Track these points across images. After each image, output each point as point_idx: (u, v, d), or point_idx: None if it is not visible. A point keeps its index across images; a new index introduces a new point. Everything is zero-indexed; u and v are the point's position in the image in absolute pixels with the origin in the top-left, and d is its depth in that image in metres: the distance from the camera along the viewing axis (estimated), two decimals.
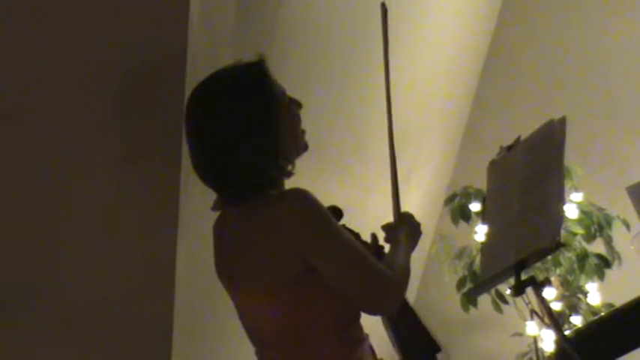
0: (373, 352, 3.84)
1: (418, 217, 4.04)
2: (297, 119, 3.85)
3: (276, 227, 3.59)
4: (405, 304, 3.90)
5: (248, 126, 3.70)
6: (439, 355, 3.84)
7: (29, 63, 4.51)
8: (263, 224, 3.62)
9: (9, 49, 4.45)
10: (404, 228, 3.93)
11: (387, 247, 4.07)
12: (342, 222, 3.80)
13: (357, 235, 3.87)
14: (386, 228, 4.03)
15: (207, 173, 3.73)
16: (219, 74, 3.81)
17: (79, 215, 4.95)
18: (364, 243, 3.88)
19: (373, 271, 3.59)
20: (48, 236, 4.96)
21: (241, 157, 3.70)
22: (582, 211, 6.83)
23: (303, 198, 3.61)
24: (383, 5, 4.49)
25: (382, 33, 4.51)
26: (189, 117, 3.79)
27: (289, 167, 3.77)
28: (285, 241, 3.59)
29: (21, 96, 4.62)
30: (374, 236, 4.07)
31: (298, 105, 3.85)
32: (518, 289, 4.92)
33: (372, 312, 3.76)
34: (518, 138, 5.22)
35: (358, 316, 3.79)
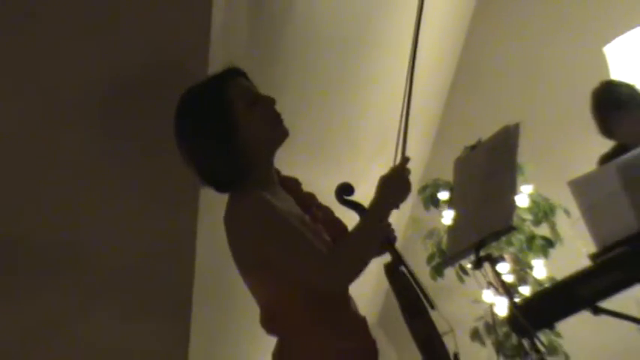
0: (357, 316, 3.78)
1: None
2: (265, 113, 3.70)
3: (233, 225, 3.64)
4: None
5: (201, 137, 3.68)
6: (435, 316, 3.75)
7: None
8: (227, 221, 3.65)
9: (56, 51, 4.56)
10: (381, 190, 3.70)
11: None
12: (351, 196, 3.80)
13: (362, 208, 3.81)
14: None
15: (199, 174, 3.71)
16: (183, 95, 3.75)
17: (121, 197, 5.04)
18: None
19: (309, 256, 3.50)
20: (95, 215, 5.09)
21: (201, 163, 3.68)
22: (531, 201, 6.98)
23: (234, 211, 3.65)
24: None
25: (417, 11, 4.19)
26: None
27: (260, 156, 3.69)
28: (240, 236, 3.62)
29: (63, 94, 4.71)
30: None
31: (270, 101, 3.71)
32: (478, 264, 5.07)
33: (320, 289, 3.59)
34: (480, 139, 5.36)
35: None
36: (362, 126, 6.69)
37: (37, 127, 4.74)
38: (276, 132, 3.71)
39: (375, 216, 3.65)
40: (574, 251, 6.18)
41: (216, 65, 4.13)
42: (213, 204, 4.03)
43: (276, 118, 3.71)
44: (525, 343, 6.10)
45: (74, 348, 5.50)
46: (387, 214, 3.69)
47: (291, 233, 3.53)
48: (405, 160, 3.77)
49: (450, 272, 7.18)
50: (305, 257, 3.52)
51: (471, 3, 7.89)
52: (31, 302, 5.25)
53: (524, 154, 5.16)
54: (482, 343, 7.07)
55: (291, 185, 3.87)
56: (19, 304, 5.25)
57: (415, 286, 3.78)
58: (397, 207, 3.71)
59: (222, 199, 3.78)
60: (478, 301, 7.09)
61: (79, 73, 4.64)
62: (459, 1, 7.57)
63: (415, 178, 7.02)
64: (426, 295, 3.77)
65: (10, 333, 5.38)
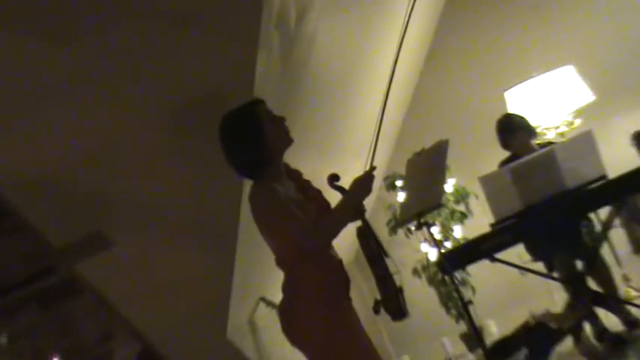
0: (335, 258, 3.71)
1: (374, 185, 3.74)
2: (279, 126, 3.65)
3: (252, 204, 3.56)
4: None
5: (238, 142, 3.62)
6: (388, 262, 3.71)
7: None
8: (250, 198, 3.59)
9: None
10: (352, 190, 3.65)
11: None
12: (338, 182, 3.70)
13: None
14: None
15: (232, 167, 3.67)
16: (226, 114, 3.70)
17: (184, 178, 5.00)
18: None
19: (294, 228, 3.49)
20: (168, 189, 5.06)
21: (237, 160, 3.63)
22: (454, 188, 7.07)
23: (251, 196, 3.60)
24: None
25: (406, 14, 4.19)
26: None
27: (274, 155, 3.64)
28: (256, 213, 3.57)
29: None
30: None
31: (282, 119, 3.66)
32: (419, 226, 5.17)
33: (303, 248, 3.52)
34: (423, 148, 5.44)
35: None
36: (349, 135, 6.58)
37: (132, 131, 4.74)
38: (286, 140, 3.67)
39: (347, 204, 3.63)
40: (480, 222, 6.25)
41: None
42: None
43: (286, 131, 3.66)
44: (447, 277, 6.23)
45: (149, 274, 5.47)
46: (354, 203, 3.64)
47: (285, 212, 3.51)
48: (372, 168, 3.69)
49: (400, 232, 7.14)
50: (291, 229, 3.50)
51: (422, 59, 7.89)
52: (128, 243, 5.24)
53: (451, 158, 5.23)
54: (420, 277, 7.12)
55: (295, 175, 3.79)
56: (120, 245, 5.20)
57: (375, 241, 3.72)
58: (363, 199, 3.64)
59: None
60: (418, 250, 7.08)
61: (159, 97, 4.63)
62: (413, 63, 7.54)
63: (380, 172, 7.08)
64: (382, 247, 3.71)
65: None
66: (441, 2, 7.51)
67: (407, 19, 4.15)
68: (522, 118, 6.24)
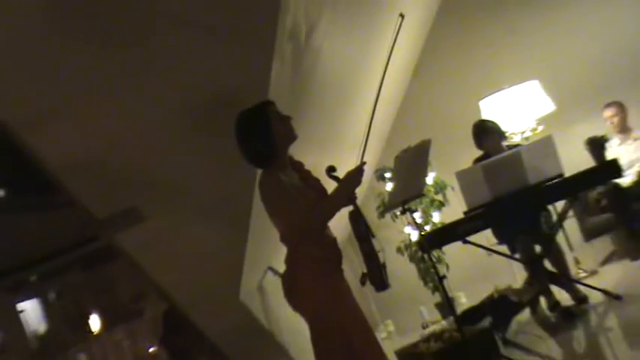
0: (330, 236, 3.70)
1: (366, 175, 3.76)
2: (285, 125, 3.64)
3: (260, 191, 3.61)
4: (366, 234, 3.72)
5: (251, 136, 3.61)
6: (374, 241, 3.71)
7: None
8: (259, 186, 3.62)
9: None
10: (345, 181, 3.62)
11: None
12: (334, 173, 3.69)
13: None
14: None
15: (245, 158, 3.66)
16: (241, 112, 3.68)
17: (204, 163, 4.97)
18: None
19: (295, 212, 3.52)
20: (190, 172, 5.04)
21: (249, 151, 3.62)
22: (434, 180, 7.07)
23: (260, 183, 3.61)
24: (401, 15, 4.17)
25: (394, 37, 4.14)
26: None
27: (281, 149, 3.64)
28: (263, 198, 3.61)
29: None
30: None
31: (288, 118, 3.67)
32: (403, 212, 5.18)
33: (302, 229, 3.56)
34: (409, 146, 5.43)
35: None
36: (346, 132, 6.49)
37: (164, 123, 4.75)
38: (290, 136, 3.66)
39: (340, 192, 3.61)
40: (455, 209, 6.24)
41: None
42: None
43: (291, 129, 3.66)
44: (425, 255, 6.23)
45: (175, 244, 5.44)
46: (347, 191, 3.61)
47: (287, 198, 3.53)
48: (362, 163, 3.66)
49: (388, 216, 7.09)
50: (292, 212, 3.52)
51: (410, 71, 7.86)
52: (158, 218, 5.20)
53: (432, 155, 5.24)
54: (403, 254, 7.11)
55: (298, 165, 3.78)
56: (152, 219, 5.18)
57: (364, 223, 3.70)
58: (353, 191, 3.63)
59: None
60: (402, 232, 7.07)
61: (189, 95, 4.62)
62: (402, 74, 7.52)
63: (372, 165, 7.07)
64: (369, 229, 3.70)
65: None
66: (427, 26, 7.48)
67: (393, 42, 4.13)
68: (494, 123, 6.24)
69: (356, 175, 3.62)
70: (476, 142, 6.18)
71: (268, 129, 3.60)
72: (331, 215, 3.61)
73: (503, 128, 6.31)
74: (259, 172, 3.71)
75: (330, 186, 3.69)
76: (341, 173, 3.67)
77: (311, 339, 3.65)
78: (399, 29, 4.11)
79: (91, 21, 4.21)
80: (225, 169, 4.84)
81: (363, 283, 3.71)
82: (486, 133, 6.12)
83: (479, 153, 6.17)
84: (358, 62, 6.26)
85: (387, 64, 4.14)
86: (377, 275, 3.67)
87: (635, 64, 6.99)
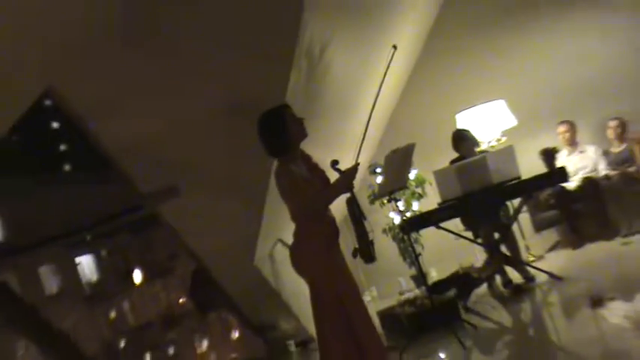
0: (329, 216, 3.66)
1: (360, 170, 3.83)
2: (298, 125, 3.59)
3: (275, 178, 3.58)
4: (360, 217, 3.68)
5: (268, 133, 3.56)
6: (366, 223, 3.67)
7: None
8: (274, 173, 3.60)
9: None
10: (343, 175, 3.59)
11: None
12: (338, 166, 3.64)
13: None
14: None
15: (264, 150, 3.62)
16: (263, 113, 3.63)
17: (230, 151, 4.92)
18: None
19: (301, 198, 3.51)
20: (216, 156, 5.04)
21: (269, 145, 3.58)
22: (416, 176, 7.02)
23: (275, 171, 3.58)
24: (394, 47, 4.11)
25: (386, 66, 4.06)
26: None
27: (294, 144, 3.60)
28: (277, 184, 3.57)
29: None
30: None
31: (301, 120, 3.61)
32: (389, 200, 5.17)
33: (307, 211, 3.56)
34: (397, 148, 5.37)
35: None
36: (348, 132, 6.46)
37: (200, 117, 4.75)
38: (302, 135, 3.62)
39: (339, 183, 3.59)
40: (431, 200, 6.21)
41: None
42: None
43: (303, 128, 3.62)
44: (405, 236, 6.20)
45: (203, 216, 5.41)
46: (344, 185, 3.59)
47: (296, 185, 3.53)
48: (357, 164, 3.64)
49: (377, 203, 7.00)
50: (299, 198, 3.52)
51: (402, 87, 7.74)
52: (191, 194, 5.18)
53: (415, 156, 5.18)
54: (387, 235, 7.07)
55: (307, 158, 3.72)
56: (186, 195, 5.17)
57: (358, 208, 3.67)
58: (350, 183, 3.61)
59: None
60: (387, 216, 6.99)
61: (222, 95, 4.63)
62: (396, 88, 7.45)
63: (367, 160, 6.99)
64: (362, 213, 3.67)
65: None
66: (417, 51, 7.43)
67: (386, 69, 4.08)
68: (470, 132, 6.20)
69: (352, 172, 3.61)
70: (454, 146, 6.12)
71: (284, 128, 3.57)
72: (331, 200, 3.60)
73: (476, 137, 6.25)
74: (275, 162, 3.67)
75: (333, 176, 3.67)
76: (342, 166, 3.64)
77: (310, 299, 3.63)
78: (391, 59, 4.06)
79: (146, 33, 4.25)
80: (247, 159, 4.81)
81: (354, 256, 3.70)
82: (463, 140, 6.07)
83: (454, 156, 6.13)
84: (360, 76, 6.23)
85: (381, 86, 4.08)
86: (366, 250, 3.66)
87: (584, 90, 6.94)
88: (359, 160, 3.72)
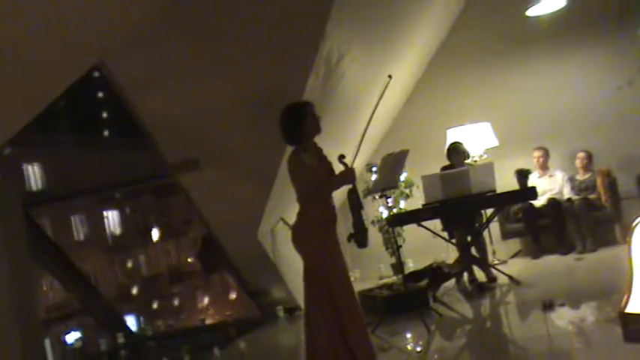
0: (330, 203, 3.62)
1: (358, 169, 3.87)
2: (315, 121, 3.55)
3: (287, 163, 3.56)
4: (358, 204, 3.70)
5: (287, 124, 3.53)
6: (362, 212, 3.72)
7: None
8: (288, 159, 3.58)
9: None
10: (345, 172, 3.61)
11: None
12: (344, 160, 3.63)
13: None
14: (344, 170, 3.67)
15: (282, 136, 3.60)
16: (287, 105, 3.60)
17: (250, 138, 4.88)
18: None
19: (308, 185, 3.51)
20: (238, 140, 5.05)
21: (288, 134, 3.56)
22: (406, 179, 6.98)
23: (289, 158, 3.56)
24: (390, 76, 4.12)
25: (380, 93, 4.09)
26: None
27: (308, 137, 3.56)
28: (287, 168, 3.55)
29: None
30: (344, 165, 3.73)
31: (319, 117, 3.59)
32: (381, 196, 5.15)
33: (311, 195, 3.54)
34: (392, 152, 5.33)
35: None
36: (354, 132, 6.40)
37: (228, 101, 4.69)
38: (316, 130, 3.58)
39: (340, 179, 3.59)
40: (416, 201, 6.20)
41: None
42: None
43: (318, 125, 3.59)
44: (390, 229, 6.18)
45: (219, 191, 5.36)
46: (344, 181, 3.61)
47: (304, 173, 3.52)
48: (353, 169, 3.64)
49: (369, 198, 6.99)
50: (305, 184, 3.52)
51: (402, 102, 7.72)
52: (210, 170, 5.12)
53: (408, 161, 5.13)
54: (375, 225, 7.05)
55: (318, 150, 3.66)
56: (205, 170, 5.12)
57: (357, 199, 3.69)
58: (349, 179, 3.61)
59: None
60: (377, 210, 6.93)
61: (248, 86, 4.59)
62: (397, 101, 7.43)
63: (365, 159, 6.97)
64: (361, 204, 3.71)
65: None
66: (420, 72, 7.43)
67: (379, 98, 4.10)
68: (463, 146, 6.13)
69: (349, 173, 3.62)
70: (447, 155, 6.07)
71: (302, 121, 3.54)
72: (331, 189, 3.57)
73: (468, 150, 6.22)
74: (289, 149, 3.64)
75: (337, 168, 3.67)
76: (348, 160, 3.66)
77: (303, 274, 3.61)
78: (386, 87, 4.06)
79: (202, 20, 4.18)
80: (262, 144, 4.79)
81: (349, 240, 3.73)
82: (456, 151, 6.02)
83: (443, 164, 6.07)
84: (368, 87, 6.20)
85: (375, 108, 4.04)
86: (360, 236, 3.66)
87: (560, 122, 6.96)
88: (354, 165, 3.70)
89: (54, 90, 3.87)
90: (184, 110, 4.74)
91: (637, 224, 1.74)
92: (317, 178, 3.54)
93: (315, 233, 3.56)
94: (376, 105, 4.04)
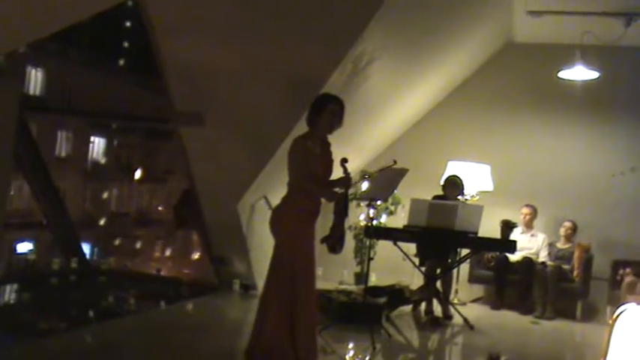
0: (317, 201, 3.66)
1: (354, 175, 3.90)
2: (330, 119, 3.60)
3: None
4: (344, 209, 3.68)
5: (311, 107, 3.64)
6: (345, 220, 3.70)
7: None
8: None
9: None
10: (342, 179, 3.66)
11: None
12: (346, 164, 3.62)
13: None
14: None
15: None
16: (321, 94, 3.75)
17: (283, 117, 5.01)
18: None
19: (300, 173, 3.56)
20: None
21: (310, 117, 3.63)
22: (394, 196, 6.97)
23: (294, 141, 3.62)
24: (394, 161, 4.33)
25: (381, 167, 4.37)
26: None
27: (319, 129, 3.61)
28: (289, 151, 3.61)
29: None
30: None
31: (339, 119, 3.64)
32: (368, 205, 5.13)
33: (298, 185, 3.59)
34: (395, 160, 5.31)
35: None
36: (365, 139, 6.47)
37: (250, 73, 4.70)
38: (327, 130, 3.65)
39: (327, 190, 3.66)
40: (399, 220, 6.23)
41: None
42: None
43: (332, 125, 3.65)
44: (365, 239, 6.16)
45: (214, 150, 5.35)
46: (330, 194, 3.65)
47: (301, 161, 3.56)
48: (350, 177, 3.68)
49: (354, 203, 7.00)
50: (298, 172, 3.57)
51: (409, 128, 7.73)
52: (213, 128, 5.12)
53: (403, 181, 5.13)
54: (350, 231, 7.00)
55: (326, 145, 3.70)
56: (208, 127, 5.12)
57: (345, 205, 3.69)
58: (347, 186, 3.67)
59: None
60: (357, 217, 6.90)
61: (271, 64, 4.61)
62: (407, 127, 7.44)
63: (363, 164, 6.95)
64: (347, 210, 3.72)
65: None
66: (436, 101, 7.43)
67: (381, 168, 4.40)
68: (462, 180, 6.13)
69: (347, 180, 3.66)
70: (443, 185, 6.10)
71: (318, 114, 3.64)
72: (315, 191, 3.62)
73: (465, 186, 6.21)
74: (295, 132, 3.72)
75: (337, 169, 3.69)
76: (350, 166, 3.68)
77: (271, 257, 3.65)
78: (388, 166, 4.36)
79: None
80: (272, 119, 4.85)
81: (322, 242, 3.71)
82: (452, 184, 6.04)
83: (436, 192, 6.09)
84: (389, 97, 6.24)
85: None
86: (336, 242, 3.67)
87: (556, 187, 7.01)
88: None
89: (88, 9, 3.82)
90: (206, 63, 4.73)
91: (621, 313, 1.75)
92: (312, 172, 3.56)
93: (294, 222, 3.59)
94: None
